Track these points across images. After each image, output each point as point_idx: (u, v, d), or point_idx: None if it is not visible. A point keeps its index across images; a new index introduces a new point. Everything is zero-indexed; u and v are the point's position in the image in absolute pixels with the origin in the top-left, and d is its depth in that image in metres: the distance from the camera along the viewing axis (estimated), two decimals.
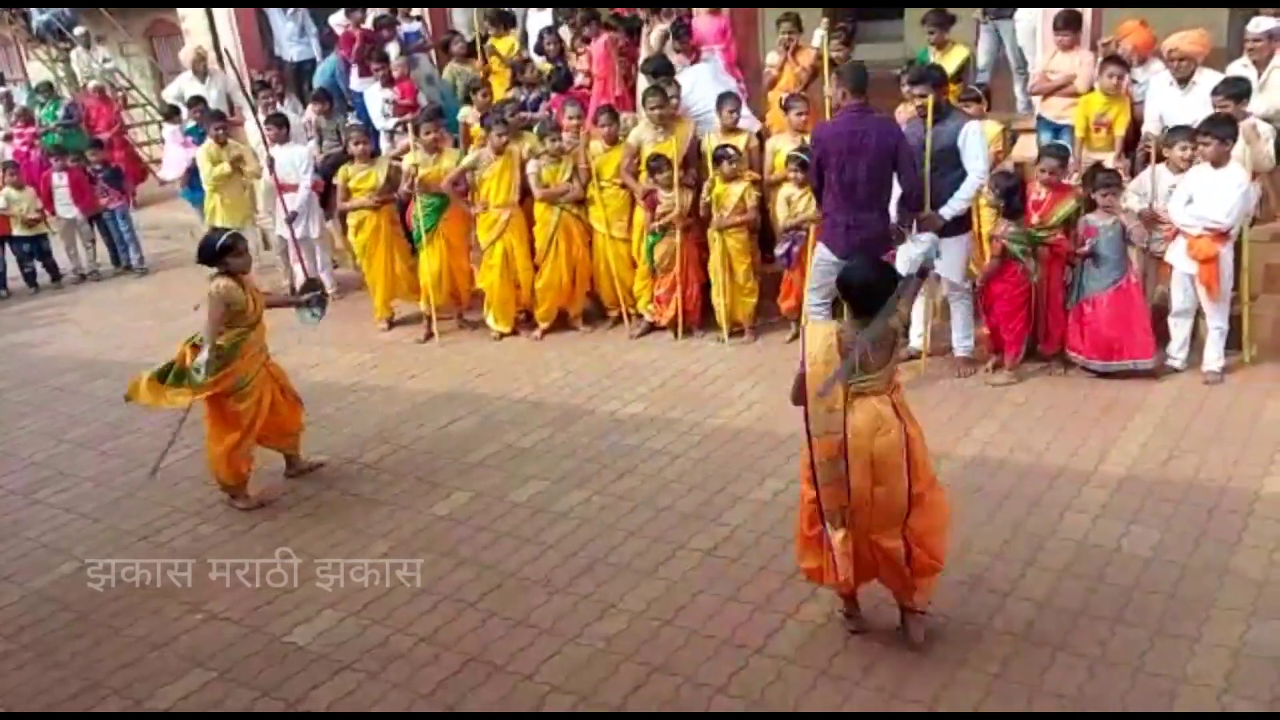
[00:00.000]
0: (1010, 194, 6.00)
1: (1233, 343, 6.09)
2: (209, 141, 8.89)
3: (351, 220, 8.03)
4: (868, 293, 3.69)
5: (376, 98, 9.38)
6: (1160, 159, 6.10)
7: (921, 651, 3.94)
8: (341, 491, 5.67)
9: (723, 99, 7.10)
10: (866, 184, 5.79)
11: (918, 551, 3.80)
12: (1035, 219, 6.15)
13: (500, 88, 8.76)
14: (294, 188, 8.55)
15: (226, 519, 5.47)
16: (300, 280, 8.75)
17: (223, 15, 11.74)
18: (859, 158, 5.74)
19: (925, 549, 3.81)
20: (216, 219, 8.77)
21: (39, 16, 14.12)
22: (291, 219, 8.50)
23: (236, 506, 5.53)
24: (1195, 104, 6.25)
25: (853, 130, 5.76)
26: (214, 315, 5.25)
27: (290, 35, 11.06)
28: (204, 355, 5.19)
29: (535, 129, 7.55)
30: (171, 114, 10.55)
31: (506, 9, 9.79)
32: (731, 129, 7.10)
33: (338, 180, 8.02)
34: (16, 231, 10.28)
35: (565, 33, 9.21)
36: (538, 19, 9.70)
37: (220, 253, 5.28)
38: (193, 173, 9.47)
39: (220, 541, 5.25)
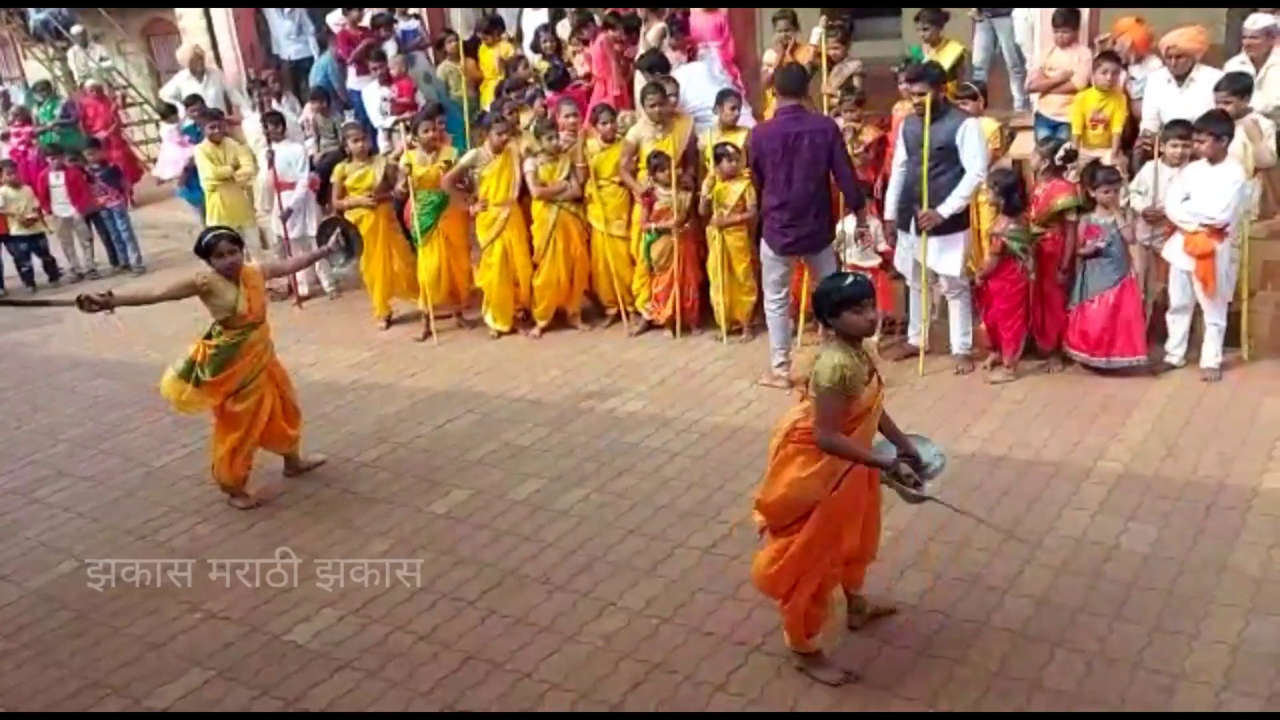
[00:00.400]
0: (1009, 191, 6.00)
1: (1231, 339, 6.09)
2: (206, 140, 8.87)
3: (350, 219, 7.99)
4: (823, 306, 3.61)
5: (374, 96, 9.37)
6: (1149, 155, 6.10)
7: (917, 651, 3.95)
8: (340, 490, 5.67)
9: (723, 96, 7.09)
10: (801, 183, 5.98)
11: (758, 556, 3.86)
12: (1033, 214, 6.15)
13: (492, 93, 8.67)
14: (290, 185, 8.54)
15: (225, 518, 5.47)
16: (300, 275, 8.80)
17: (220, 14, 11.74)
18: (792, 157, 5.95)
19: (760, 561, 3.83)
20: (217, 218, 8.76)
21: (36, 15, 14.10)
22: (287, 216, 8.50)
23: (235, 506, 5.54)
24: (1193, 101, 6.26)
25: (786, 131, 5.96)
26: (170, 285, 5.23)
27: (288, 34, 11.05)
28: (116, 294, 5.11)
29: (532, 127, 7.54)
30: (168, 113, 10.54)
31: (496, 16, 9.77)
32: (731, 126, 7.09)
33: (334, 178, 8.01)
34: (14, 231, 10.28)
35: (564, 28, 9.19)
36: (534, 16, 9.69)
37: (205, 251, 5.28)
38: (190, 171, 9.45)
39: (219, 541, 5.25)
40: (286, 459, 5.84)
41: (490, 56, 9.15)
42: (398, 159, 7.96)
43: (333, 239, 6.03)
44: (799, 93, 6.13)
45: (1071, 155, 6.32)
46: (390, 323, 8.25)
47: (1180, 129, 5.94)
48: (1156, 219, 6.07)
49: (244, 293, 5.32)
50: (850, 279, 3.62)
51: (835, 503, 3.66)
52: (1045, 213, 6.10)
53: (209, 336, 5.37)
